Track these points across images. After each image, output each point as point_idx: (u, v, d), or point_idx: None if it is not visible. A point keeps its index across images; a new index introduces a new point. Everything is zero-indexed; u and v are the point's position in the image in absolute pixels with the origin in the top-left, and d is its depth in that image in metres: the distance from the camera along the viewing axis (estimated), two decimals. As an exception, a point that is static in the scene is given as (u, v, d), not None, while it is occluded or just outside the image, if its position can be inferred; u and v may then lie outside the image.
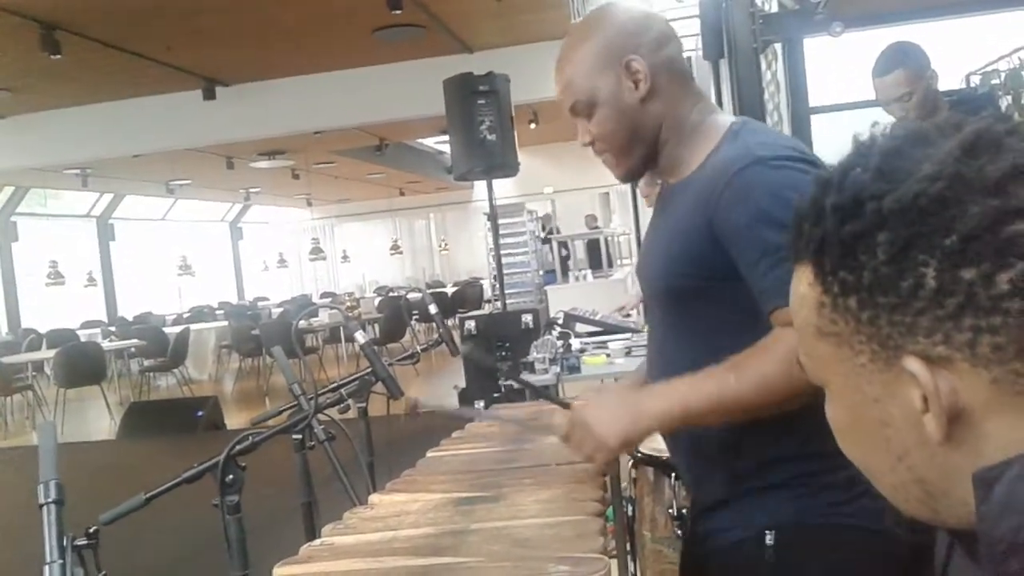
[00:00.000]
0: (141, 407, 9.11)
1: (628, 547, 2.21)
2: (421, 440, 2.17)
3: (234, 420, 8.47)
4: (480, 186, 16.10)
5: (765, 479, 1.34)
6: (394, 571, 1.26)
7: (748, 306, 1.28)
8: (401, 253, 21.25)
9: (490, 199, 5.76)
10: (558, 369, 3.96)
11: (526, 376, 4.01)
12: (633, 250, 10.35)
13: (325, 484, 2.23)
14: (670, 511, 2.10)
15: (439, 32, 8.25)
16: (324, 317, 11.25)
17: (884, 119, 3.02)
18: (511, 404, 2.81)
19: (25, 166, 11.12)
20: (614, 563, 1.80)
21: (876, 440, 0.61)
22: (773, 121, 4.55)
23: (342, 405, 2.25)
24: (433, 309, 2.81)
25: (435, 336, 2.88)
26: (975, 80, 5.02)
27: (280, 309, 15.64)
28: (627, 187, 8.88)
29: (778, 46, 4.60)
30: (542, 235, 10.88)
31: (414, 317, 12.33)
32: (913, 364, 0.56)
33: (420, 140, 15.92)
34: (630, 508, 2.27)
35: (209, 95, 9.33)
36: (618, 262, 13.35)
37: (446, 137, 6.54)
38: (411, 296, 13.66)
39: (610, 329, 4.87)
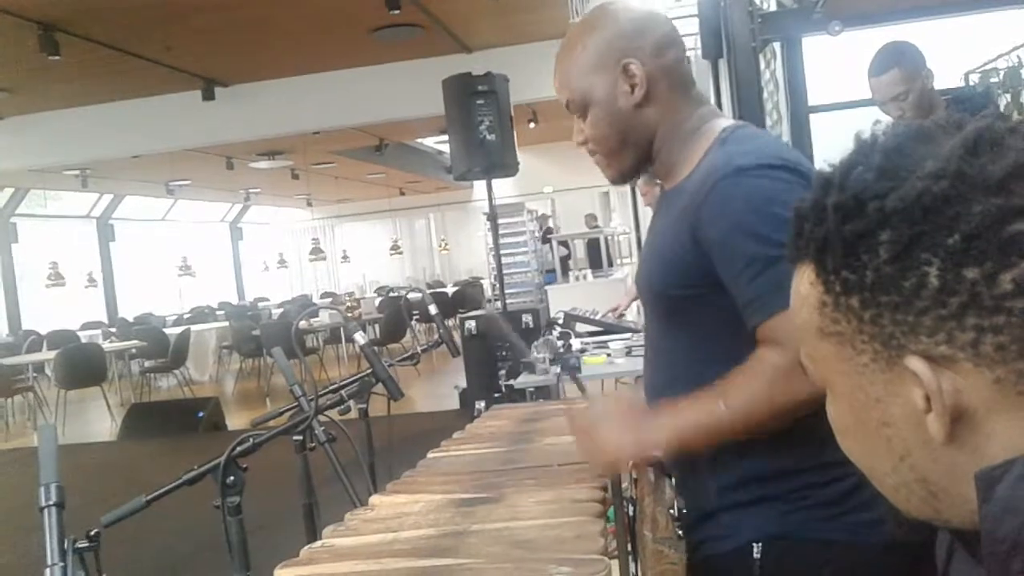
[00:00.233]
0: (142, 408, 9.12)
1: (629, 547, 2.21)
2: (421, 441, 2.17)
3: (235, 421, 8.47)
4: (480, 186, 16.10)
5: (754, 491, 1.33)
6: (395, 573, 1.26)
7: (738, 312, 1.28)
8: (401, 253, 21.25)
9: (490, 199, 5.76)
10: (558, 369, 3.96)
11: (525, 378, 4.02)
12: (633, 249, 10.36)
13: (326, 485, 2.23)
14: (671, 511, 2.09)
15: (438, 32, 8.25)
16: (324, 317, 11.26)
17: (883, 118, 3.02)
18: (512, 404, 2.81)
19: (25, 167, 11.12)
20: (615, 563, 1.80)
21: (878, 440, 0.61)
22: (772, 120, 4.55)
23: (343, 406, 2.25)
24: (433, 310, 2.81)
25: (435, 336, 2.88)
26: (974, 78, 5.01)
27: (280, 309, 15.63)
28: (627, 186, 8.88)
29: (777, 45, 4.60)
30: (539, 235, 10.87)
31: (414, 317, 12.33)
32: (916, 364, 0.56)
33: (419, 140, 15.92)
34: (631, 508, 2.27)
35: (208, 96, 9.34)
36: (618, 261, 13.35)
37: (445, 137, 6.54)
38: (411, 296, 13.66)
39: (610, 329, 4.87)
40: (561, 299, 8.58)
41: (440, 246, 22.10)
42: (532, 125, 12.29)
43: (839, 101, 4.81)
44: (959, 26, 5.08)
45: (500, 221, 6.97)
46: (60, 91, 8.94)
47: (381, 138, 13.34)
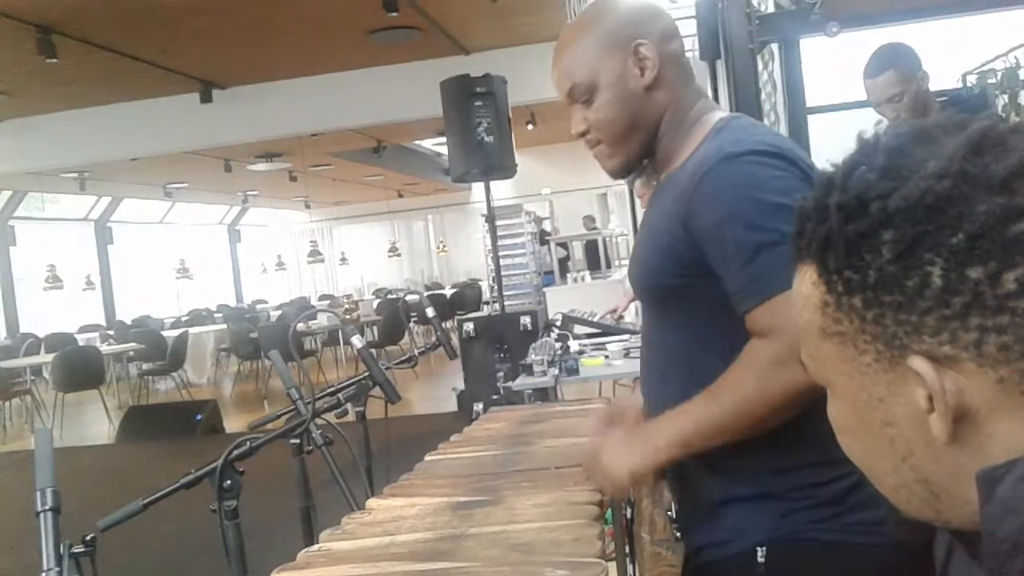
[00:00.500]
0: (140, 411, 9.10)
1: (627, 550, 2.20)
2: (419, 444, 2.17)
3: (233, 423, 8.46)
4: (478, 188, 16.08)
5: (754, 488, 1.32)
6: (392, 576, 1.26)
7: (730, 303, 1.28)
8: (399, 255, 21.25)
9: (488, 201, 5.75)
10: (556, 371, 3.96)
11: (523, 380, 4.02)
12: (631, 251, 10.37)
13: (323, 488, 2.23)
14: (669, 513, 2.09)
15: (436, 34, 8.26)
16: (322, 320, 11.25)
17: (883, 119, 3.02)
18: (510, 407, 2.81)
19: (22, 170, 11.12)
20: (613, 566, 1.79)
21: (880, 440, 0.61)
22: (770, 121, 4.55)
23: (340, 410, 2.25)
24: (430, 312, 2.81)
25: (433, 339, 2.88)
26: (971, 80, 5.02)
27: (279, 312, 15.63)
28: (625, 188, 8.88)
29: (774, 46, 4.60)
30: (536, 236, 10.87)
31: (412, 319, 12.34)
32: (919, 363, 0.56)
33: (418, 142, 15.92)
34: (629, 511, 2.27)
35: (206, 98, 9.33)
36: (616, 263, 13.36)
37: (444, 139, 6.54)
38: (409, 298, 13.65)
39: (608, 331, 4.87)
40: (559, 301, 8.58)
41: (438, 248, 22.11)
42: (530, 127, 12.30)
43: (837, 102, 4.81)
44: (957, 27, 5.08)
45: (498, 223, 6.96)
46: (57, 94, 8.93)
47: (379, 140, 13.34)
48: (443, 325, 2.95)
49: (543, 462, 1.77)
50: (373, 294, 18.65)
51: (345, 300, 14.99)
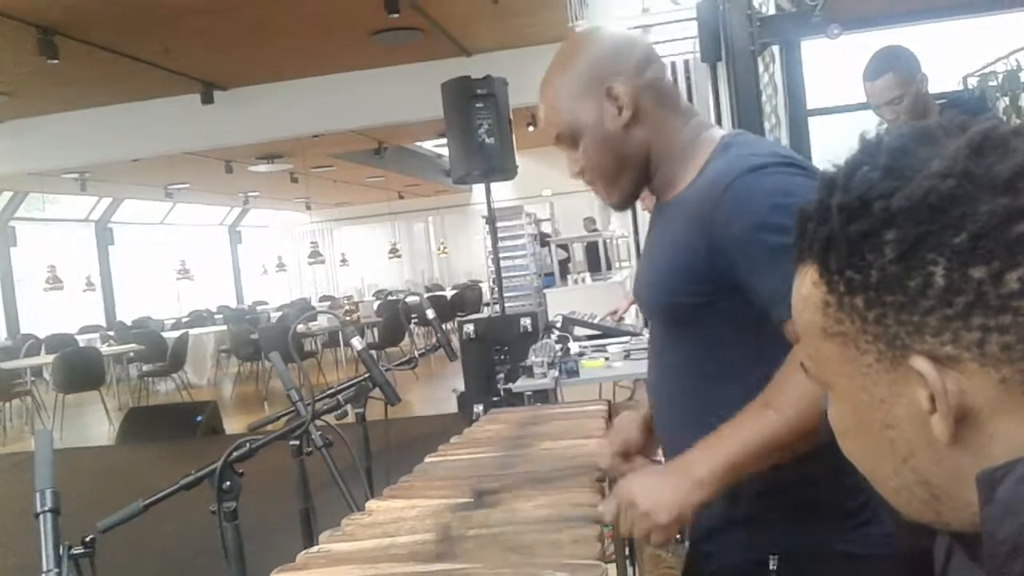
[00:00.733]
0: (140, 412, 9.10)
1: (627, 552, 2.20)
2: (419, 445, 2.16)
3: (233, 424, 8.46)
4: (479, 189, 16.06)
5: (768, 503, 1.31)
6: (391, 578, 1.25)
7: (749, 318, 1.26)
8: (400, 256, 21.26)
9: (488, 202, 5.75)
10: (556, 373, 3.96)
11: (523, 382, 4.01)
12: (632, 253, 10.35)
13: (323, 490, 2.23)
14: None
15: (437, 35, 8.26)
16: (323, 321, 11.25)
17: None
18: (510, 409, 2.80)
19: (23, 171, 11.12)
20: (613, 568, 1.79)
21: (881, 442, 0.61)
22: (771, 124, 4.55)
23: (339, 411, 2.25)
24: (431, 314, 2.81)
25: (434, 340, 2.88)
26: (972, 82, 5.02)
27: (279, 313, 15.63)
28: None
29: (775, 48, 4.60)
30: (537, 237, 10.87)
31: (413, 321, 12.34)
32: (921, 364, 0.56)
33: (419, 143, 15.93)
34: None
35: (207, 99, 9.34)
36: (617, 265, 13.35)
37: (444, 140, 6.54)
38: (410, 300, 13.65)
39: (608, 332, 4.87)
40: (560, 302, 8.57)
41: (439, 249, 22.12)
42: (531, 128, 12.29)
43: (838, 104, 4.80)
44: (958, 30, 5.08)
45: (499, 224, 6.96)
46: (59, 94, 8.94)
47: (380, 141, 13.35)
48: (443, 326, 2.95)
49: (543, 464, 1.77)
50: (373, 295, 18.65)
51: (345, 301, 14.99)
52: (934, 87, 3.12)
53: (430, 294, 15.28)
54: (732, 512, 1.35)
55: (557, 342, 4.41)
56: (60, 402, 9.53)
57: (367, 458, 2.54)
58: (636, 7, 5.03)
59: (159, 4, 6.70)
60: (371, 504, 1.64)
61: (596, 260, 13.15)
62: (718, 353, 1.34)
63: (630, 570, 2.28)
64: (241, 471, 1.76)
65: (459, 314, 12.93)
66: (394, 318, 11.34)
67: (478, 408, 4.21)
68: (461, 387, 6.84)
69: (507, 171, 5.46)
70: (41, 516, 1.33)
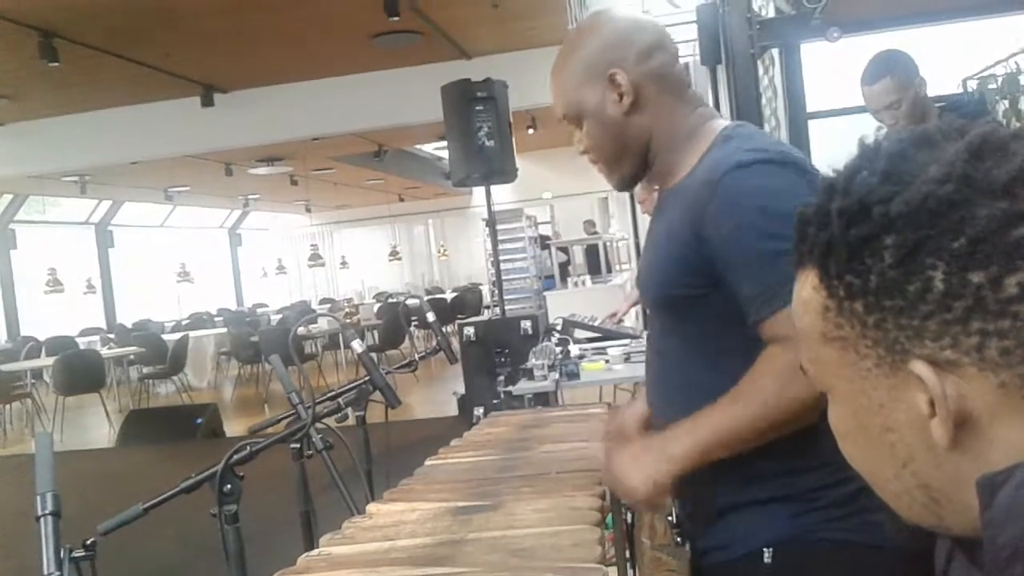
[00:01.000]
0: (140, 414, 9.10)
1: (628, 555, 2.20)
2: (420, 448, 2.16)
3: (233, 427, 8.45)
4: (479, 192, 16.07)
5: (762, 492, 1.32)
6: (392, 581, 1.25)
7: (740, 312, 1.28)
8: (400, 259, 21.25)
9: (488, 205, 5.76)
10: (557, 375, 3.96)
11: (524, 384, 4.02)
12: (632, 255, 10.36)
13: (323, 493, 2.23)
14: (669, 518, 2.09)
15: (437, 38, 8.26)
16: (323, 323, 11.25)
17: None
18: (510, 411, 2.81)
19: (24, 173, 11.13)
20: (613, 571, 1.79)
21: (880, 446, 0.61)
22: (771, 127, 4.55)
23: (340, 414, 2.25)
24: (431, 317, 2.81)
25: (434, 343, 2.88)
26: (972, 85, 5.02)
27: (279, 315, 15.63)
28: (626, 193, 8.89)
29: (775, 51, 4.61)
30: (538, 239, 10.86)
31: (413, 323, 12.34)
32: (920, 368, 0.56)
33: (419, 146, 15.94)
34: (629, 515, 2.27)
35: (207, 102, 9.34)
36: (617, 267, 13.36)
37: (445, 143, 6.54)
38: (410, 302, 13.64)
39: (609, 335, 4.87)
40: (560, 305, 8.58)
41: (439, 252, 22.12)
42: (531, 131, 12.31)
43: (838, 107, 4.81)
44: (957, 32, 5.08)
45: (499, 227, 6.96)
46: (59, 97, 8.94)
47: (380, 144, 13.34)
48: (443, 329, 2.95)
49: (543, 467, 1.77)
50: (374, 298, 18.63)
51: (346, 304, 14.97)
52: (933, 90, 3.12)
53: (430, 297, 15.27)
54: (724, 504, 1.36)
55: (557, 345, 4.40)
56: (60, 404, 9.52)
57: (367, 461, 2.54)
58: (636, 10, 5.03)
59: (159, 7, 6.70)
60: (371, 507, 1.64)
61: (596, 263, 13.16)
62: (711, 344, 1.36)
63: (630, 572, 2.28)
64: (242, 474, 1.76)
65: (459, 317, 12.94)
66: (394, 321, 11.33)
67: (478, 411, 4.22)
68: (461, 390, 6.84)
69: (507, 174, 5.47)
70: (42, 519, 1.33)
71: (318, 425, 2.07)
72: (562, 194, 17.46)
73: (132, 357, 11.37)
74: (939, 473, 0.58)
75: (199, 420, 7.95)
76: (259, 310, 18.33)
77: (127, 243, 18.11)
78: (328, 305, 17.61)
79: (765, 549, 1.30)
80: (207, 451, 7.02)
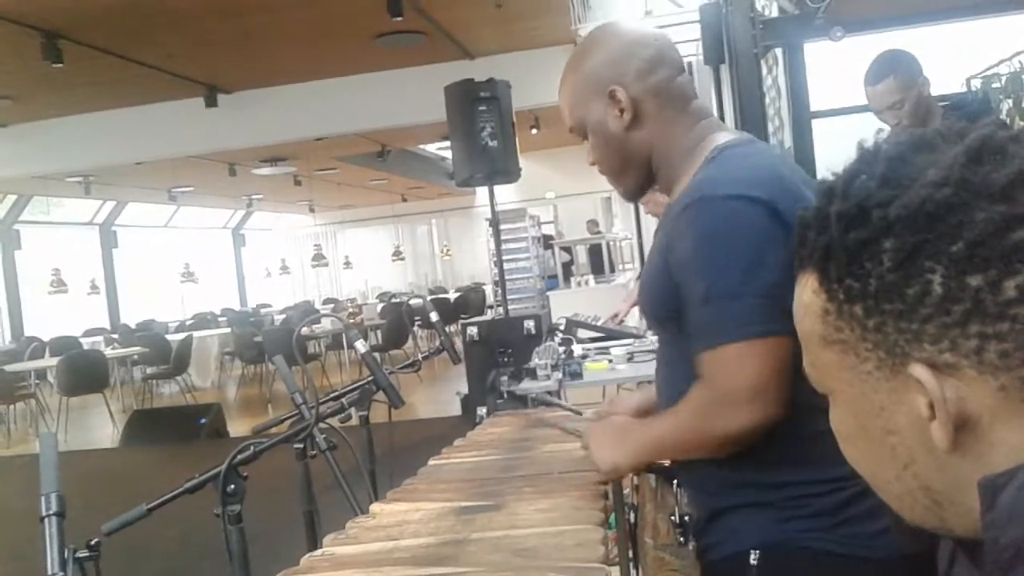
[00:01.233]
0: (144, 415, 9.11)
1: (631, 554, 2.20)
2: (423, 448, 2.16)
3: (237, 427, 8.47)
4: (482, 192, 16.12)
5: (754, 494, 1.33)
6: (395, 581, 1.26)
7: None
8: (403, 259, 21.27)
9: (492, 205, 5.75)
10: (560, 375, 3.96)
11: (527, 384, 4.01)
12: (635, 255, 10.35)
13: (326, 492, 2.23)
14: (672, 518, 2.09)
15: (440, 38, 8.26)
16: (326, 324, 11.26)
17: (884, 125, 3.02)
18: (512, 411, 2.80)
19: (27, 174, 11.15)
20: (616, 570, 1.79)
21: (882, 448, 0.61)
22: (774, 126, 4.55)
23: (343, 414, 2.25)
24: (434, 317, 2.81)
25: (437, 343, 2.88)
26: (975, 84, 5.01)
27: (283, 316, 15.65)
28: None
29: (779, 51, 4.60)
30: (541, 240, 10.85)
31: (416, 323, 12.34)
32: (920, 371, 0.56)
33: (422, 146, 15.94)
34: (632, 515, 2.27)
35: (211, 102, 9.35)
36: (620, 267, 13.35)
37: (448, 143, 6.54)
38: (413, 302, 13.65)
39: (612, 335, 4.86)
40: (563, 305, 8.57)
41: (442, 252, 22.12)
42: (534, 131, 12.30)
43: (841, 107, 4.80)
44: (961, 31, 5.08)
45: (502, 227, 6.96)
46: (63, 98, 8.96)
47: (383, 144, 13.35)
48: (447, 329, 2.95)
49: (546, 467, 1.77)
50: (377, 298, 18.65)
51: (349, 304, 14.99)
52: (937, 89, 3.11)
53: (433, 297, 15.28)
54: (720, 502, 1.38)
55: (560, 344, 4.40)
56: (64, 405, 9.54)
57: (371, 461, 2.55)
58: (639, 10, 5.03)
59: (163, 8, 6.71)
60: (375, 507, 1.64)
61: (599, 262, 13.15)
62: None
63: (633, 573, 2.28)
64: (245, 474, 1.76)
65: (462, 316, 12.94)
66: (397, 321, 11.34)
67: (481, 410, 4.21)
68: (465, 390, 6.84)
69: (510, 174, 5.46)
70: (46, 520, 1.33)
71: (322, 425, 2.07)
72: (565, 194, 17.46)
73: (136, 357, 11.40)
74: (940, 475, 0.59)
75: (203, 420, 7.97)
76: (263, 310, 18.36)
77: (131, 243, 18.13)
78: (332, 305, 17.62)
79: (752, 551, 1.32)
80: (211, 451, 7.02)
